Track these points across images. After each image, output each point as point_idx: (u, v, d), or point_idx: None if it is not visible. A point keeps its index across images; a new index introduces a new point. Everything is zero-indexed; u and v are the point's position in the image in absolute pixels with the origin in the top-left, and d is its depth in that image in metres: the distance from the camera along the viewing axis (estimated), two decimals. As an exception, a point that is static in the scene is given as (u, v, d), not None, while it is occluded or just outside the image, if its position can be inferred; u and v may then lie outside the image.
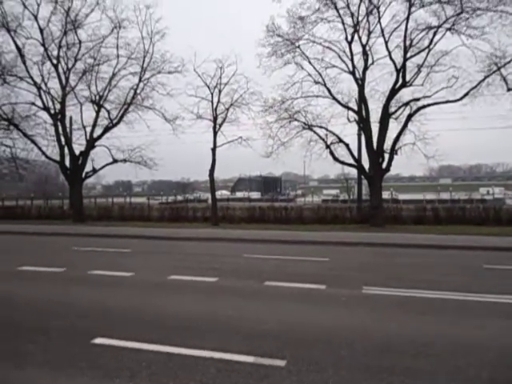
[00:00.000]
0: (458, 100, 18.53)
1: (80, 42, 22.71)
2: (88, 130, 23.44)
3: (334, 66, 19.92)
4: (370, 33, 19.02)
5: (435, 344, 4.68)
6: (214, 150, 21.31)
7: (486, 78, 17.85)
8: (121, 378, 3.86)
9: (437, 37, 18.17)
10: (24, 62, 22.37)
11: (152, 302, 6.70)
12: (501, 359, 4.33)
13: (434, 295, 6.94)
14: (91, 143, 23.27)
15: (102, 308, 6.29)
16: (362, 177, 22.16)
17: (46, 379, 3.91)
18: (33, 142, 23.47)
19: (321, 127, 20.19)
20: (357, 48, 19.41)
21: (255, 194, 64.16)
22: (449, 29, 17.88)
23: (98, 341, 4.81)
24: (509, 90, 17.77)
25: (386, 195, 34.26)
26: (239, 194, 64.36)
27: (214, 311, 6.06)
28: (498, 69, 17.56)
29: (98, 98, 23.20)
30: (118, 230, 18.06)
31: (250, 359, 4.25)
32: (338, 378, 3.86)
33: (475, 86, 18.00)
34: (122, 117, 23.39)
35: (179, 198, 58.36)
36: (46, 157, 23.84)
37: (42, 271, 9.23)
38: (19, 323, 5.56)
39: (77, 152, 23.41)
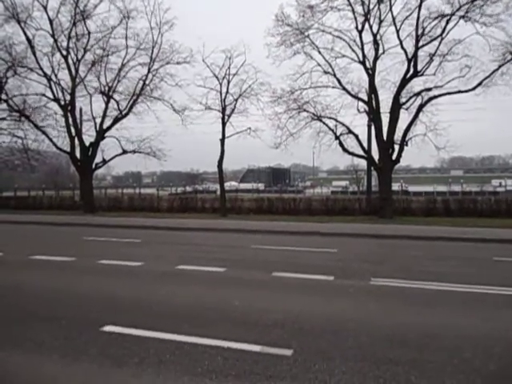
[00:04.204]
0: (470, 90, 18.19)
1: (89, 33, 22.79)
2: (98, 121, 23.68)
3: (343, 56, 19.70)
4: (381, 21, 18.72)
5: (442, 336, 4.66)
6: (222, 140, 21.31)
7: (500, 67, 17.48)
8: (129, 366, 3.92)
9: (450, 25, 17.86)
10: (34, 54, 22.56)
11: (160, 291, 6.77)
12: (509, 351, 4.29)
13: (443, 287, 6.88)
14: (101, 134, 23.44)
15: (111, 297, 6.37)
16: (372, 168, 21.99)
17: (56, 366, 3.98)
18: (44, 133, 23.77)
19: (330, 118, 20.05)
20: (367, 37, 19.20)
21: (260, 186, 63.86)
22: (462, 16, 17.50)
23: (107, 328, 4.88)
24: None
25: (395, 187, 34.02)
26: (242, 186, 63.97)
27: (222, 301, 6.10)
28: (513, 57, 17.17)
29: (107, 88, 23.30)
30: (127, 221, 18.25)
31: (256, 348, 4.27)
32: (344, 367, 3.86)
33: (488, 76, 17.63)
34: (131, 108, 23.48)
35: (188, 188, 58.50)
36: (57, 148, 24.13)
37: (53, 260, 9.37)
38: (29, 311, 5.66)
39: (87, 143, 23.65)
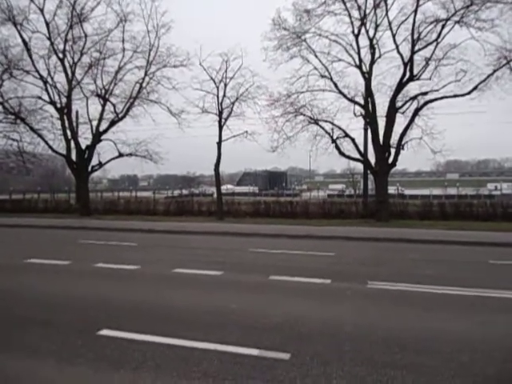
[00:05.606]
0: (466, 94, 18.33)
1: (86, 36, 22.75)
2: (94, 123, 23.60)
3: (340, 60, 19.80)
4: (377, 26, 18.85)
5: (439, 339, 4.66)
6: (219, 144, 21.30)
7: (494, 71, 17.62)
8: (125, 369, 3.89)
9: (445, 30, 18.01)
10: (30, 56, 22.47)
11: (157, 294, 6.74)
12: (507, 355, 4.29)
13: (439, 290, 6.90)
14: (97, 137, 23.37)
15: (107, 300, 6.33)
16: (368, 171, 22.05)
17: (52, 370, 3.95)
18: (39, 135, 23.65)
19: (327, 121, 20.12)
20: (364, 41, 19.31)
21: (255, 189, 63.78)
22: (457, 21, 17.65)
23: (104, 332, 4.85)
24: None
25: (392, 190, 34.14)
26: (239, 189, 63.95)
27: (219, 304, 6.08)
28: (508, 62, 17.33)
29: (103, 91, 23.25)
30: (123, 224, 18.16)
31: (254, 352, 4.26)
32: (341, 372, 3.86)
33: (484, 80, 17.78)
34: (127, 111, 23.43)
35: (185, 192, 58.50)
36: (53, 150, 24.00)
37: (49, 264, 9.31)
38: (25, 314, 5.61)
39: (83, 146, 23.53)
